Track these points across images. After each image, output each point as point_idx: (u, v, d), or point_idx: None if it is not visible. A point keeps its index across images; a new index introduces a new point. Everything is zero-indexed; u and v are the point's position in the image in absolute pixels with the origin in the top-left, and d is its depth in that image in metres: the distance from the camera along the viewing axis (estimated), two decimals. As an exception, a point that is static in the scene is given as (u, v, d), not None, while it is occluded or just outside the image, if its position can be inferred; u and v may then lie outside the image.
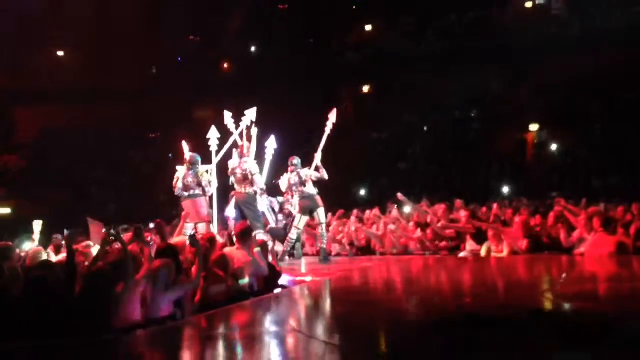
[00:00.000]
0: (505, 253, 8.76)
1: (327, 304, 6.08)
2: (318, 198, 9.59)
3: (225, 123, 10.20)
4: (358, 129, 22.34)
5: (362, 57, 22.73)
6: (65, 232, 9.95)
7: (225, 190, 10.19)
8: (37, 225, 9.02)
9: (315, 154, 9.92)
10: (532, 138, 20.31)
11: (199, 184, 9.35)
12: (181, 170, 9.51)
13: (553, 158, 19.78)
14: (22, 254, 8.02)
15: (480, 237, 9.21)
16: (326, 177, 9.76)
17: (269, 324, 5.16)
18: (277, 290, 6.50)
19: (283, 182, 9.98)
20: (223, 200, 10.42)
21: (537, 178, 18.22)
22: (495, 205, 10.58)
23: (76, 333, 4.29)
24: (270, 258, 6.88)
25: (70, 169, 21.45)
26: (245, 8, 24.53)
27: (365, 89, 23.76)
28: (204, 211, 9.37)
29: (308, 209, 9.52)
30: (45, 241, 9.27)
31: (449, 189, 16.88)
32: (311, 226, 10.35)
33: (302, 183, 9.54)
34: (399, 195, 11.33)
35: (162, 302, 5.05)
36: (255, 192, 9.57)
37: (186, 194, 9.34)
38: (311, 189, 9.56)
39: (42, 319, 4.25)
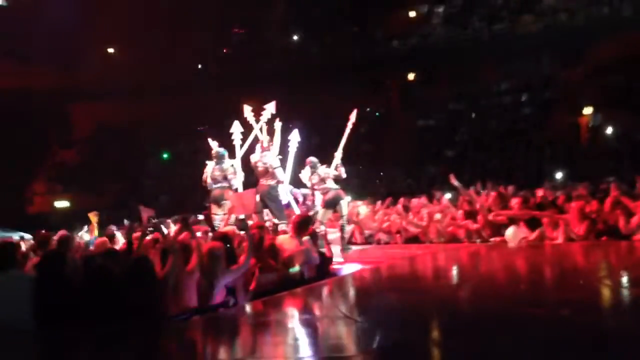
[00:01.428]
0: (560, 239, 8.56)
1: (377, 292, 6.08)
2: (341, 191, 9.76)
3: (245, 116, 10.36)
4: (404, 117, 22.20)
5: (406, 45, 22.46)
6: (126, 222, 10.29)
7: (250, 184, 10.32)
8: (94, 216, 9.33)
9: (335, 153, 10.00)
10: (585, 121, 19.70)
11: (225, 177, 9.56)
12: (210, 165, 9.75)
13: (608, 142, 19.15)
14: (82, 244, 8.36)
15: (533, 224, 9.01)
16: (344, 175, 9.90)
17: (319, 310, 5.22)
18: (328, 278, 6.55)
19: (304, 176, 10.03)
20: None
21: (592, 163, 17.68)
22: (541, 191, 10.33)
23: (131, 318, 4.43)
24: (322, 246, 6.93)
25: (124, 163, 22.07)
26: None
27: (411, 76, 23.50)
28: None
29: (331, 203, 9.64)
30: (101, 232, 9.61)
31: (499, 175, 16.59)
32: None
33: (322, 180, 9.70)
34: (452, 179, 11.11)
35: (216, 289, 5.16)
36: (277, 185, 9.70)
37: (215, 185, 9.58)
38: (332, 184, 9.71)
39: (103, 305, 4.41)
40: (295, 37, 25.63)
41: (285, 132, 10.40)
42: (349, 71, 22.00)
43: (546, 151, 18.55)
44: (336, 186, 9.74)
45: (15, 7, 24.34)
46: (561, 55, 19.95)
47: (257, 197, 9.88)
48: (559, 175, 17.59)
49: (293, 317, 4.92)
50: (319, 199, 9.90)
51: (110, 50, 25.50)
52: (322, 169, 9.76)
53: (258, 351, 3.86)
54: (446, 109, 21.45)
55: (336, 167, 9.85)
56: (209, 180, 9.66)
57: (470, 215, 9.94)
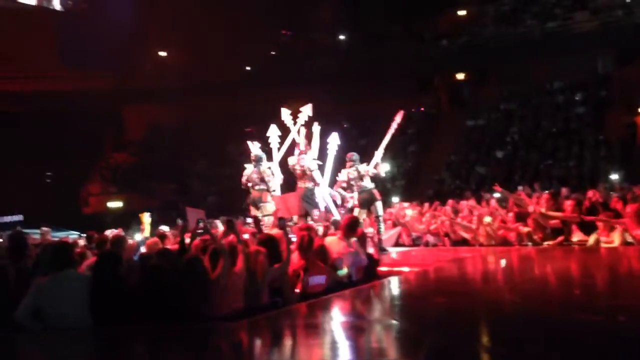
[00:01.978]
0: (616, 243, 8.28)
1: (424, 295, 6.02)
2: (375, 192, 9.73)
3: (283, 119, 10.46)
4: (453, 117, 21.92)
5: (456, 44, 22.16)
6: (179, 222, 10.51)
7: (290, 186, 10.43)
8: (146, 216, 9.54)
9: (376, 152, 9.97)
10: (642, 121, 19.00)
11: (263, 180, 9.73)
12: (249, 168, 9.92)
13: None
14: (134, 244, 8.56)
15: (587, 227, 8.74)
16: (383, 174, 9.97)
17: (367, 313, 5.21)
18: (375, 280, 6.52)
19: (343, 173, 10.03)
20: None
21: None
22: (590, 193, 10.01)
23: (183, 319, 4.52)
24: (370, 248, 6.91)
25: (175, 164, 22.54)
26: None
27: (461, 76, 23.17)
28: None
29: (366, 203, 9.64)
30: (153, 232, 9.83)
31: (551, 177, 16.19)
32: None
33: (360, 178, 9.70)
34: (497, 187, 11.03)
35: (261, 290, 5.21)
36: (314, 187, 9.82)
37: (255, 188, 9.76)
38: (368, 184, 9.72)
39: (158, 305, 4.52)
40: (342, 37, 25.65)
41: (327, 135, 10.43)
42: (398, 71, 21.88)
43: (601, 151, 17.97)
44: (372, 185, 9.76)
45: (71, 12, 25.20)
46: (617, 53, 19.30)
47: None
48: (614, 176, 17.01)
49: (340, 320, 4.92)
50: (355, 196, 9.87)
51: (162, 53, 26.10)
52: (362, 167, 9.78)
53: (305, 354, 3.88)
54: (497, 109, 21.04)
55: (376, 166, 9.86)
56: (249, 184, 9.85)
57: (521, 217, 9.72)
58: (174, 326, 4.40)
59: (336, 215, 10.00)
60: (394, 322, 4.40)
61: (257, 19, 24.00)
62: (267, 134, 10.54)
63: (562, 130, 18.91)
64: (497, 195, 11.68)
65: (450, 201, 11.93)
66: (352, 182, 9.82)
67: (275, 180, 10.05)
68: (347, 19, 24.50)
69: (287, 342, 4.23)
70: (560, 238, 8.98)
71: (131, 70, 24.71)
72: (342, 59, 23.69)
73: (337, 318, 5.04)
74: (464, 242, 10.30)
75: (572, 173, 16.66)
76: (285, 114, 10.51)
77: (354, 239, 6.66)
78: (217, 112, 23.05)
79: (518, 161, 18.51)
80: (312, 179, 9.82)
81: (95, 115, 23.27)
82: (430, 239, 10.83)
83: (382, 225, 9.79)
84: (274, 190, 9.99)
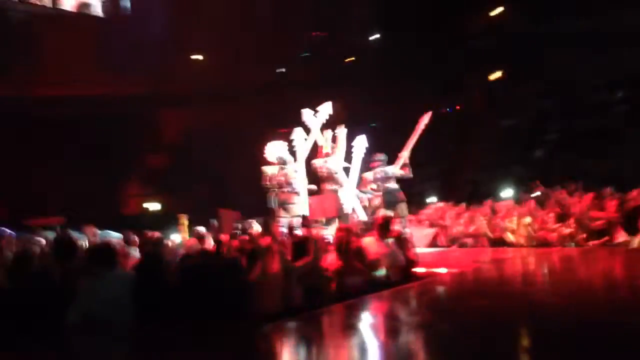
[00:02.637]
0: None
1: (463, 296, 5.96)
2: (400, 193, 9.81)
3: (304, 120, 10.42)
4: (488, 117, 21.62)
5: (490, 42, 21.84)
6: (213, 223, 10.62)
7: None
8: (183, 218, 9.64)
9: (404, 152, 10.01)
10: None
11: (289, 182, 9.80)
12: (271, 169, 10.04)
13: None
14: (171, 245, 8.71)
15: (632, 228, 8.53)
16: (410, 175, 9.93)
17: (404, 314, 5.18)
18: (413, 281, 6.49)
19: (368, 177, 10.10)
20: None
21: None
22: (635, 193, 9.75)
23: (222, 319, 4.57)
24: (407, 249, 6.87)
25: (211, 166, 22.76)
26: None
27: (495, 74, 22.83)
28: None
29: (391, 204, 9.69)
30: (190, 233, 9.95)
31: (592, 176, 15.83)
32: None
33: (387, 179, 9.77)
34: (537, 187, 10.88)
35: (295, 291, 5.23)
36: (337, 190, 9.88)
37: (283, 189, 9.85)
38: (394, 185, 9.78)
39: (198, 305, 4.58)
40: (373, 38, 25.54)
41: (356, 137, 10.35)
42: (430, 71, 21.69)
43: (644, 150, 17.49)
44: (397, 187, 9.82)
45: (109, 18, 25.72)
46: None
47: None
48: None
49: (376, 321, 4.91)
50: (378, 199, 9.95)
51: (197, 57, 26.41)
52: (389, 168, 9.87)
53: (338, 355, 3.89)
54: (533, 108, 20.67)
55: (402, 167, 9.90)
56: (273, 185, 10.00)
57: (562, 218, 9.54)
58: (213, 326, 4.45)
59: (362, 217, 9.98)
60: (430, 323, 4.37)
61: (288, 21, 24.09)
62: (291, 137, 10.48)
63: (603, 129, 18.46)
64: (534, 195, 11.49)
65: (488, 201, 11.78)
66: (379, 183, 9.90)
67: (301, 182, 10.06)
68: (378, 19, 24.37)
69: (321, 344, 4.23)
70: (603, 239, 8.80)
71: (167, 74, 25.05)
72: (373, 59, 23.59)
73: (373, 319, 5.03)
74: (503, 243, 10.18)
75: (614, 173, 16.26)
76: (308, 114, 10.49)
77: (391, 240, 6.65)
78: (251, 114, 23.18)
79: (557, 161, 18.15)
80: (337, 181, 9.87)
81: (133, 118, 23.67)
82: (468, 239, 10.72)
83: (406, 227, 9.71)
84: (297, 192, 10.02)
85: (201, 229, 10.08)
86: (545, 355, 3.43)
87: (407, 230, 9.72)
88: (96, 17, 24.98)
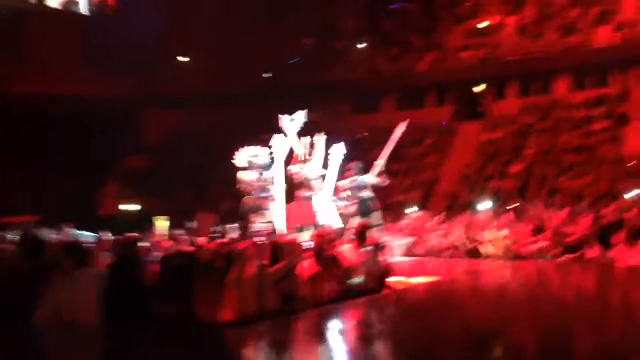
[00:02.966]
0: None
1: (438, 305, 5.99)
2: (375, 202, 9.91)
3: (281, 126, 10.38)
4: (470, 129, 21.81)
5: (476, 56, 22.07)
6: (188, 225, 10.51)
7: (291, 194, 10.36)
8: (163, 220, 9.56)
9: (380, 161, 10.08)
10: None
11: (264, 188, 9.79)
12: (247, 175, 9.92)
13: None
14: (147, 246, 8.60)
15: (606, 243, 8.62)
16: (387, 183, 10.09)
17: (379, 322, 5.19)
18: (390, 290, 6.49)
19: (344, 185, 10.08)
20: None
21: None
22: (609, 210, 9.88)
23: (195, 322, 4.53)
24: (384, 257, 6.88)
25: (193, 169, 22.63)
26: (359, 7, 24.78)
27: (479, 88, 23.08)
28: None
29: (366, 212, 9.75)
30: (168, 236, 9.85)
31: (569, 192, 16.02)
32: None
33: (362, 188, 9.84)
34: (512, 202, 11.03)
35: (269, 295, 5.20)
36: (311, 197, 9.83)
37: (255, 195, 9.77)
38: (369, 194, 9.87)
39: (171, 305, 4.54)
40: (362, 47, 25.67)
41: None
42: (417, 83, 21.86)
43: (620, 167, 17.74)
44: (372, 195, 9.89)
45: (96, 17, 25.54)
46: (638, 68, 19.09)
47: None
48: (634, 192, 16.77)
49: (351, 328, 4.91)
50: (354, 207, 9.92)
51: (183, 59, 26.32)
52: (365, 176, 9.92)
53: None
54: (514, 122, 20.89)
55: (378, 175, 9.98)
56: (250, 191, 9.85)
57: (538, 231, 9.63)
58: (184, 329, 4.42)
59: (337, 225, 9.95)
60: (405, 330, 4.37)
61: (279, 27, 24.15)
62: (270, 144, 10.26)
63: (581, 146, 18.71)
64: (512, 208, 11.60)
65: (466, 213, 11.87)
66: (352, 191, 9.92)
67: (278, 188, 9.96)
68: (368, 28, 24.53)
69: (292, 349, 4.21)
70: (577, 253, 8.90)
71: (153, 75, 24.94)
72: (362, 69, 23.70)
73: (347, 326, 5.03)
74: (479, 254, 10.24)
75: (590, 189, 16.46)
76: (286, 121, 10.44)
77: (369, 248, 6.65)
78: (236, 119, 23.13)
79: (534, 176, 18.34)
80: (310, 188, 9.85)
81: (115, 118, 23.48)
82: (446, 250, 10.77)
83: (382, 235, 9.73)
84: (273, 199, 9.92)
85: (178, 232, 10.02)
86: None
87: (384, 239, 9.77)
88: (81, 16, 24.83)
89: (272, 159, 10.03)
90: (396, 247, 9.77)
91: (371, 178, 9.91)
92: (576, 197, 12.17)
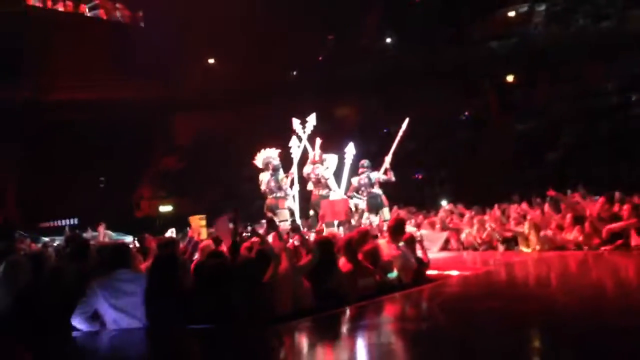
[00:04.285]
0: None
1: (475, 298, 5.92)
2: (383, 198, 10.31)
3: (294, 128, 11.00)
4: (502, 120, 21.53)
5: (506, 45, 21.74)
6: (230, 226, 10.69)
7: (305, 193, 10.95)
8: (199, 220, 9.64)
9: (386, 157, 10.43)
10: None
11: (280, 187, 10.20)
12: (265, 175, 10.39)
13: None
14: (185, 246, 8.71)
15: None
16: (393, 179, 10.38)
17: (417, 316, 5.17)
18: (425, 284, 6.46)
19: (354, 183, 10.55)
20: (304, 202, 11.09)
21: None
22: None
23: (236, 321, 4.57)
24: (419, 251, 6.85)
25: (222, 169, 22.85)
26: (381, 2, 24.63)
27: (510, 78, 22.74)
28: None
29: (375, 208, 10.21)
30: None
31: (605, 181, 15.69)
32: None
33: (372, 184, 10.26)
34: (550, 191, 10.90)
35: (304, 291, 5.22)
36: (328, 194, 10.38)
37: (270, 195, 10.27)
38: (377, 190, 10.31)
39: (212, 307, 4.58)
40: (389, 41, 25.51)
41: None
42: (446, 75, 21.66)
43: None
44: (380, 192, 10.31)
45: (123, 23, 25.95)
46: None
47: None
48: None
49: (389, 323, 4.90)
50: (363, 203, 10.40)
51: (209, 61, 26.58)
52: (373, 173, 10.33)
53: (354, 357, 3.87)
54: (548, 111, 20.54)
55: (385, 172, 10.34)
56: (264, 189, 10.34)
57: (578, 221, 9.45)
58: (226, 328, 4.46)
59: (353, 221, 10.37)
60: (443, 325, 4.34)
61: (303, 25, 24.16)
62: (289, 144, 11.00)
63: (617, 133, 18.31)
64: (548, 199, 11.43)
65: (502, 205, 11.74)
66: (363, 188, 10.36)
67: (294, 188, 10.57)
68: (393, 22, 24.39)
69: (333, 346, 4.22)
70: (618, 242, 8.72)
71: (180, 78, 25.26)
72: (389, 63, 23.55)
73: (386, 321, 5.02)
74: (515, 246, 10.11)
75: (626, 177, 16.10)
76: (296, 123, 11.02)
77: (402, 243, 6.64)
78: (263, 118, 23.27)
79: (571, 165, 18.02)
80: (327, 187, 10.37)
81: (145, 122, 23.86)
82: (480, 243, 10.66)
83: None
84: (293, 195, 10.51)
85: (212, 231, 10.15)
86: (557, 354, 3.40)
87: (421, 232, 9.83)
88: (109, 22, 25.26)
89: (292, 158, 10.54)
90: (431, 242, 9.75)
91: (379, 174, 10.30)
92: (613, 184, 11.90)
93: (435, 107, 21.06)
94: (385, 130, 19.99)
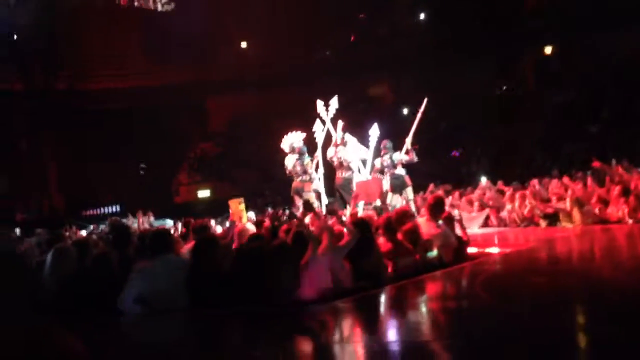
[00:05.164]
0: None
1: (519, 274, 5.83)
2: (407, 178, 10.37)
3: (318, 111, 11.10)
4: (540, 94, 21.04)
5: (542, 17, 21.13)
6: (268, 210, 10.91)
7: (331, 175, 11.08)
8: (237, 203, 9.72)
9: (406, 139, 10.44)
10: None
11: (305, 171, 10.42)
12: (291, 159, 10.60)
13: None
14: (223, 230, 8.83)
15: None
16: (416, 159, 10.42)
17: (460, 294, 5.13)
18: (466, 262, 6.39)
19: (377, 164, 10.62)
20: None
21: None
22: None
23: (275, 302, 4.60)
24: (458, 229, 6.77)
25: (258, 153, 22.97)
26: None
27: (548, 50, 22.14)
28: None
29: (398, 188, 10.27)
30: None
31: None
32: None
33: (394, 165, 10.34)
34: (595, 163, 10.63)
35: (344, 272, 5.20)
36: (351, 176, 10.55)
37: (299, 178, 10.45)
38: (401, 170, 10.38)
39: (252, 288, 4.63)
40: (422, 17, 25.06)
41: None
42: (481, 50, 21.21)
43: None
44: (403, 172, 10.38)
45: (155, 10, 26.15)
46: None
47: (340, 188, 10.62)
48: None
49: (434, 301, 4.88)
50: (387, 184, 10.41)
51: (243, 45, 26.60)
52: (395, 154, 10.39)
53: (398, 334, 3.87)
54: (587, 83, 19.96)
55: (407, 152, 10.38)
56: (293, 174, 10.54)
57: (623, 193, 9.17)
58: (266, 309, 4.50)
59: (377, 202, 10.31)
60: (486, 302, 4.30)
61: (334, 4, 23.94)
62: (313, 129, 11.11)
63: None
64: (590, 172, 11.16)
65: (541, 180, 11.51)
66: (386, 169, 10.45)
67: (318, 171, 10.73)
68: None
69: (375, 325, 4.22)
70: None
71: (213, 62, 25.39)
72: (423, 40, 23.15)
73: (428, 299, 4.99)
74: (558, 222, 9.89)
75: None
76: (320, 106, 11.11)
77: (441, 221, 6.56)
78: (297, 100, 23.26)
79: (612, 138, 17.52)
80: (349, 169, 10.52)
81: (182, 107, 24.10)
82: (521, 220, 10.48)
83: (414, 209, 9.97)
84: (314, 180, 10.60)
85: (251, 214, 10.28)
86: (610, 330, 3.33)
87: (458, 212, 9.76)
88: (140, 9, 25.49)
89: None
90: (470, 219, 9.65)
91: (401, 155, 10.35)
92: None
93: (470, 83, 20.69)
94: (406, 111, 19.78)
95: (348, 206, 9.87)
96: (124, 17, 25.19)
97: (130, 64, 24.39)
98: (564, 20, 20.36)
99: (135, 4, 25.26)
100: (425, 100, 10.73)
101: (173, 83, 24.06)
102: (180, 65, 24.42)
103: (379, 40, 24.09)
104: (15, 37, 22.86)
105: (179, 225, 9.79)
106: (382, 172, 10.53)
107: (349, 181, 10.51)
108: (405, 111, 20.31)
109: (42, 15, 21.26)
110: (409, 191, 10.34)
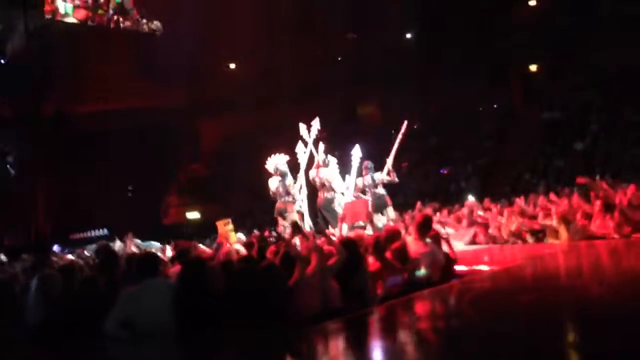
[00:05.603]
0: None
1: (508, 292, 5.84)
2: (387, 198, 10.66)
3: (301, 134, 11.34)
4: (527, 110, 21.26)
5: (529, 35, 21.39)
6: (255, 232, 10.94)
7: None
8: (224, 224, 9.69)
9: (387, 159, 10.77)
10: None
11: (288, 192, 10.67)
12: (274, 180, 10.83)
13: None
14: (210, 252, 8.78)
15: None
16: (396, 180, 10.76)
17: (448, 314, 5.12)
18: (454, 280, 6.40)
19: (359, 184, 10.90)
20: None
21: None
22: None
23: (263, 324, 4.58)
24: (445, 247, 6.80)
25: (248, 174, 22.95)
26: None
27: (534, 67, 22.42)
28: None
29: (380, 208, 10.52)
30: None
31: (636, 167, 15.39)
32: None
33: (375, 185, 10.64)
34: (580, 179, 10.74)
35: (332, 291, 5.20)
36: (333, 197, 10.69)
37: (282, 199, 10.69)
38: (382, 190, 10.69)
39: (241, 310, 4.61)
40: (409, 36, 25.33)
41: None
42: (468, 67, 21.44)
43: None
44: (384, 192, 10.67)
45: (145, 32, 26.26)
46: None
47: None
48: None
49: (424, 321, 4.87)
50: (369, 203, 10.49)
51: (231, 66, 26.74)
52: (376, 174, 10.72)
53: (390, 356, 3.85)
54: (574, 100, 20.19)
55: (388, 173, 10.71)
56: (276, 196, 10.75)
57: (607, 209, 9.24)
58: (254, 332, 4.47)
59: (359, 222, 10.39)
60: (475, 322, 4.30)
61: (322, 25, 24.17)
62: (296, 150, 11.33)
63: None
64: (577, 188, 11.25)
65: (528, 197, 11.59)
66: (367, 189, 10.71)
67: (302, 192, 10.94)
68: (413, 16, 24.17)
69: (366, 346, 4.21)
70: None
71: (203, 84, 25.46)
72: (410, 58, 23.38)
73: (417, 319, 4.98)
74: (544, 238, 9.93)
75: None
76: (302, 128, 11.36)
77: (428, 240, 6.58)
78: (287, 120, 23.33)
79: (599, 153, 17.69)
80: (331, 189, 10.68)
81: (171, 129, 24.10)
82: (508, 237, 10.50)
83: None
84: (297, 201, 10.81)
85: (240, 235, 10.23)
86: (599, 349, 3.34)
87: (446, 230, 9.82)
88: (130, 31, 25.57)
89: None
90: (457, 237, 9.68)
91: (382, 175, 10.68)
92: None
93: (458, 100, 20.91)
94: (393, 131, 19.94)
95: (330, 227, 9.99)
96: (113, 38, 25.24)
97: (119, 86, 24.40)
98: (551, 36, 20.65)
99: (123, 25, 25.32)
100: (405, 122, 11.04)
101: (162, 104, 24.08)
102: (169, 86, 24.45)
103: (368, 58, 24.28)
104: (2, 61, 22.85)
105: (167, 248, 9.74)
106: (363, 192, 10.74)
107: (330, 202, 10.71)
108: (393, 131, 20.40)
109: (31, 39, 21.28)
110: (390, 210, 10.62)
